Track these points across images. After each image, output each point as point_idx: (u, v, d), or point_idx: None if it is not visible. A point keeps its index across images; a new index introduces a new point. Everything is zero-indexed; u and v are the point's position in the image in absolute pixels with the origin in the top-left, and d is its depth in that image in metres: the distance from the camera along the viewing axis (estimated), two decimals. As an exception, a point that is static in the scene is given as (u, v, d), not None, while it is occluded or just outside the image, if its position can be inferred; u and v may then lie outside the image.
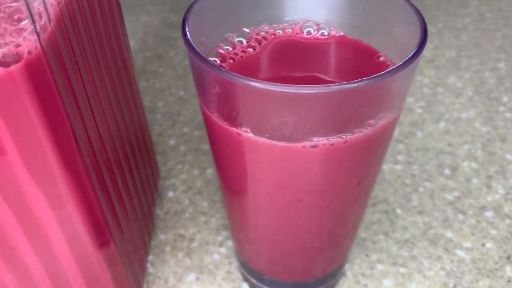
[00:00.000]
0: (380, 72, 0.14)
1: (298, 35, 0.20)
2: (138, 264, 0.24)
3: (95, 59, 0.18)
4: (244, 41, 0.20)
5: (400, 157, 0.32)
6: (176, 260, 0.27)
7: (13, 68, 0.12)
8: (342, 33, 0.20)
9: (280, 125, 0.15)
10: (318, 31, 0.20)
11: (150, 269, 0.27)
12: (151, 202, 0.28)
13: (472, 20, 0.46)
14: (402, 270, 0.26)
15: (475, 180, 0.31)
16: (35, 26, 0.13)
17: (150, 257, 0.27)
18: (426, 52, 0.42)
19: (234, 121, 0.16)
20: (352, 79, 0.14)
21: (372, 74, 0.14)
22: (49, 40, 0.13)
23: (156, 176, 0.30)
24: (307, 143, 0.16)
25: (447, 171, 0.32)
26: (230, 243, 0.28)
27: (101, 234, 0.18)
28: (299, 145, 0.16)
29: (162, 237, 0.28)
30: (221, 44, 0.20)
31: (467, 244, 0.27)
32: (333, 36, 0.20)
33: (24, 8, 0.12)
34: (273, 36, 0.20)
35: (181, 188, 0.31)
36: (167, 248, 0.28)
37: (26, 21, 0.13)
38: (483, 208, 0.29)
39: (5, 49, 0.12)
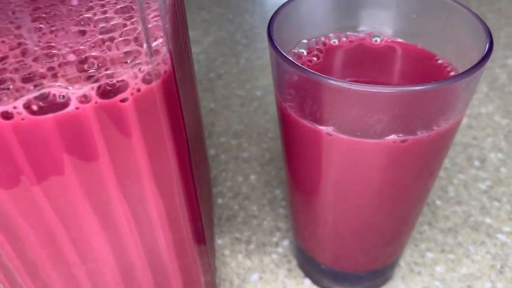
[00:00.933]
0: (445, 77, 0.16)
1: (364, 42, 0.22)
2: (213, 263, 0.25)
3: (186, 71, 0.19)
4: (306, 51, 0.22)
5: (431, 153, 0.34)
6: (237, 262, 0.28)
7: (154, 84, 0.14)
8: (402, 41, 0.22)
9: (372, 123, 0.17)
10: (385, 39, 0.22)
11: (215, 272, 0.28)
12: (210, 208, 0.29)
13: (475, 21, 0.49)
14: (451, 256, 0.28)
15: (503, 169, 0.33)
16: (168, 46, 0.14)
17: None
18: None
19: (325, 121, 0.18)
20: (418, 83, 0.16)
21: (437, 78, 0.16)
22: (173, 56, 0.15)
23: (210, 183, 0.31)
24: (396, 138, 0.17)
25: (476, 163, 0.34)
26: (285, 243, 0.29)
27: (197, 231, 0.20)
28: (390, 140, 0.17)
29: (219, 241, 0.29)
30: (295, 48, 0.21)
31: (506, 229, 0.29)
32: (397, 42, 0.22)
33: (161, 30, 0.14)
34: (336, 42, 0.22)
35: (228, 195, 0.32)
36: (226, 252, 0.29)
37: (161, 40, 0.14)
38: (515, 194, 0.31)
39: (150, 68, 0.14)
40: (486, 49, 0.18)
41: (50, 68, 0.13)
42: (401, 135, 0.17)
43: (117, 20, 0.14)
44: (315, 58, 0.21)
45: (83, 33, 0.14)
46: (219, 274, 0.28)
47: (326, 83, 0.16)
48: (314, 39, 0.22)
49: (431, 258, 0.28)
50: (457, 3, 0.20)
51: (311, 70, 0.17)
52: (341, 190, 0.20)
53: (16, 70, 0.13)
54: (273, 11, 0.20)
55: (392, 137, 0.17)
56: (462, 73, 0.16)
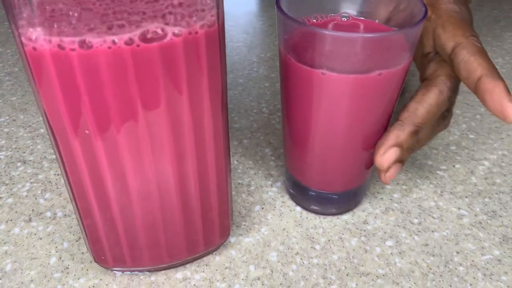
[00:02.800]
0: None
1: (336, 21, 0.31)
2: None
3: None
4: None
5: (383, 118, 0.44)
6: (242, 199, 0.36)
7: (213, 29, 0.22)
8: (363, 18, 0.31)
9: (354, 62, 0.25)
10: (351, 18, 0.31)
11: (225, 207, 0.35)
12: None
13: (410, 24, 0.60)
14: (404, 187, 0.37)
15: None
16: (218, 6, 0.22)
17: (221, 200, 0.36)
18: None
19: (316, 63, 0.26)
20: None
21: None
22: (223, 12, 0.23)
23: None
24: (374, 73, 0.26)
25: (418, 124, 0.43)
26: (278, 184, 0.37)
27: (229, 166, 0.27)
28: (370, 75, 0.26)
29: (226, 186, 0.37)
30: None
31: (443, 167, 0.39)
32: (360, 20, 0.31)
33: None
34: (315, 20, 0.31)
35: (228, 154, 0.40)
36: (233, 193, 0.36)
37: (219, 3, 0.22)
38: (447, 144, 0.41)
39: (209, 16, 0.21)
40: (422, 16, 0.27)
41: (157, 11, 0.20)
42: (376, 71, 0.26)
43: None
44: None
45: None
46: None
47: (320, 33, 0.25)
48: (300, 18, 0.31)
49: (390, 188, 0.37)
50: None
51: (309, 25, 0.25)
52: (328, 119, 0.29)
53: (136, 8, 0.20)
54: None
55: (371, 72, 0.26)
56: (408, 26, 0.25)
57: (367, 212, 0.35)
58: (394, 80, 0.27)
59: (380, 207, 0.35)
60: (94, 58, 0.19)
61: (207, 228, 0.29)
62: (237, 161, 0.39)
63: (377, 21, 0.31)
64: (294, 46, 0.27)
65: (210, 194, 0.27)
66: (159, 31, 0.20)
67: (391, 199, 0.36)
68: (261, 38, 0.58)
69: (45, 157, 0.40)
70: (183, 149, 0.24)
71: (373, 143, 0.31)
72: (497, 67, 0.51)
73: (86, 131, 0.22)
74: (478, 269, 0.30)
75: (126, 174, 0.24)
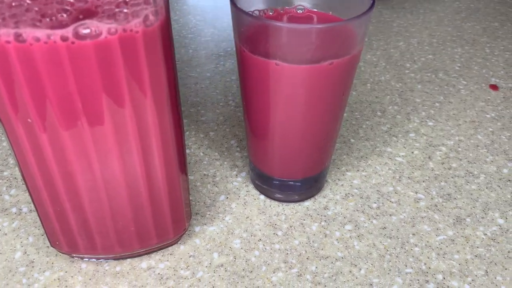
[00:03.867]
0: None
1: (292, 13, 0.32)
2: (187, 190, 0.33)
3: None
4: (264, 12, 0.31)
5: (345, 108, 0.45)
6: (207, 190, 0.37)
7: (152, 27, 0.22)
8: (317, 10, 0.32)
9: (304, 52, 0.26)
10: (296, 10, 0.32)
11: (190, 198, 0.36)
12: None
13: (374, 15, 0.61)
14: (364, 173, 0.38)
15: (398, 116, 0.44)
16: (164, 2, 0.22)
17: (187, 191, 0.36)
18: (347, 39, 0.56)
19: (270, 54, 0.27)
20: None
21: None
22: (166, 9, 0.23)
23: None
24: (325, 63, 0.27)
25: (379, 113, 0.45)
26: (243, 174, 0.38)
27: (182, 161, 0.28)
28: (321, 64, 0.27)
29: (191, 177, 0.38)
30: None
31: (402, 153, 0.40)
32: (315, 12, 0.32)
33: None
34: (271, 13, 0.32)
35: (194, 146, 0.41)
36: (198, 184, 0.37)
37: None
38: (407, 132, 0.43)
39: (151, 17, 0.22)
40: (369, 7, 0.28)
41: (91, 7, 0.21)
42: (328, 60, 0.27)
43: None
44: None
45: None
46: (194, 198, 0.36)
47: (271, 24, 0.26)
48: (257, 11, 0.31)
49: (350, 175, 0.38)
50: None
51: (262, 17, 0.26)
52: (285, 109, 0.30)
53: (72, 4, 0.20)
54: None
55: (323, 62, 0.27)
56: (354, 17, 0.26)
57: (328, 198, 0.36)
58: (345, 69, 0.29)
59: (340, 193, 0.36)
60: (29, 53, 0.20)
61: (158, 222, 0.29)
62: (203, 153, 0.40)
63: (330, 12, 0.32)
64: (247, 39, 0.28)
65: (159, 190, 0.28)
66: (94, 28, 0.20)
67: (351, 185, 0.37)
68: (228, 33, 0.59)
69: (10, 153, 0.40)
70: (127, 145, 0.24)
71: (329, 131, 0.32)
72: (456, 57, 0.53)
73: (29, 120, 0.22)
74: (433, 249, 0.32)
75: (71, 167, 0.24)
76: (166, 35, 0.23)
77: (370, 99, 0.46)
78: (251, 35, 0.28)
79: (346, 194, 0.36)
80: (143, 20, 0.21)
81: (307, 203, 0.35)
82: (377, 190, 0.37)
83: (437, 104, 0.46)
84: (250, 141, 0.34)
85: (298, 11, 0.32)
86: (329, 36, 0.26)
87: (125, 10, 0.21)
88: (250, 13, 0.31)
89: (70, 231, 0.28)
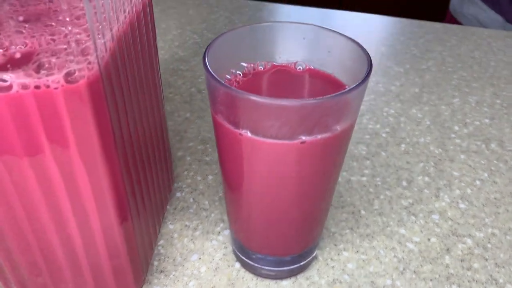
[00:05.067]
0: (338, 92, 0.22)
1: (284, 69, 0.28)
2: (148, 245, 0.30)
3: (137, 82, 0.25)
4: (242, 72, 0.27)
5: (366, 171, 0.40)
6: (182, 244, 0.33)
7: (79, 84, 0.19)
8: (312, 67, 0.28)
9: (267, 127, 0.22)
10: (295, 66, 0.28)
11: (161, 251, 0.33)
12: (164, 199, 0.34)
13: (435, 63, 0.55)
14: (363, 256, 0.33)
15: (426, 191, 0.38)
16: (97, 56, 0.19)
17: (161, 242, 0.34)
18: (394, 88, 0.50)
19: (237, 124, 0.23)
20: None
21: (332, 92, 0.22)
22: (105, 66, 0.20)
23: (171, 179, 0.37)
24: (295, 141, 0.23)
25: (404, 183, 0.39)
26: (226, 232, 0.34)
27: (123, 210, 0.25)
28: (288, 142, 0.23)
29: (171, 226, 0.35)
30: (231, 69, 0.27)
31: (416, 239, 0.34)
32: (307, 69, 0.28)
33: (91, 43, 0.19)
34: (262, 68, 0.28)
35: (186, 190, 0.38)
36: (175, 235, 0.34)
37: (92, 53, 0.19)
38: (431, 212, 0.36)
39: (76, 72, 0.19)
40: (365, 74, 0.23)
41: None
42: (301, 137, 0.23)
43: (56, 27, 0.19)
44: (244, 78, 0.27)
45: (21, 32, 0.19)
46: (166, 252, 0.33)
47: (235, 94, 0.22)
48: (245, 65, 0.28)
49: (346, 256, 0.33)
50: (357, 45, 0.26)
51: (228, 86, 0.22)
52: (253, 181, 0.26)
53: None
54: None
55: (294, 140, 0.23)
56: (334, 95, 0.22)
57: (311, 280, 0.31)
58: (323, 149, 0.24)
59: (327, 277, 0.31)
60: None
61: (98, 284, 0.26)
62: (193, 199, 0.37)
63: (332, 74, 0.28)
64: (213, 99, 0.24)
65: (98, 253, 0.25)
66: (2, 81, 0.18)
67: (343, 269, 0.32)
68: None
69: None
70: (56, 202, 0.22)
71: (307, 211, 0.27)
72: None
73: None
74: None
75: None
76: (100, 92, 0.20)
77: (399, 164, 0.41)
78: (216, 97, 0.24)
79: (333, 280, 0.31)
80: (65, 76, 0.19)
81: (285, 282, 0.31)
82: (372, 281, 0.31)
83: (477, 183, 0.39)
84: (227, 207, 0.31)
85: (298, 68, 0.28)
86: (300, 113, 0.22)
87: (43, 61, 0.18)
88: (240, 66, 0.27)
89: (4, 277, 0.26)
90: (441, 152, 0.42)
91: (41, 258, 0.25)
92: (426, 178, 0.39)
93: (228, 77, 0.27)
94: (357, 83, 0.22)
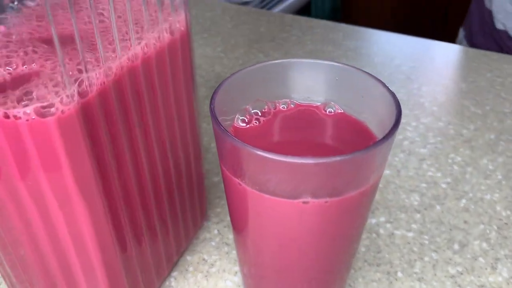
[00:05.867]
0: (365, 145, 0.19)
1: (307, 109, 0.25)
2: (155, 275, 0.29)
3: (153, 117, 0.24)
4: (260, 112, 0.25)
5: (414, 226, 0.35)
6: (195, 280, 0.32)
7: (48, 119, 0.18)
8: (342, 111, 0.25)
9: (265, 180, 0.20)
10: (324, 108, 0.25)
11: (173, 283, 0.31)
12: (189, 232, 0.33)
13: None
14: (389, 327, 0.29)
15: (481, 259, 0.33)
16: (72, 91, 0.18)
17: (175, 273, 0.32)
18: (466, 132, 0.44)
19: (236, 173, 0.21)
20: (342, 148, 0.18)
21: (358, 144, 0.18)
22: (87, 103, 0.19)
23: (201, 216, 0.34)
24: (296, 200, 0.20)
25: (456, 246, 0.34)
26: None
27: (122, 243, 0.23)
28: (288, 200, 0.20)
29: (188, 258, 0.33)
30: (248, 107, 0.25)
31: (457, 317, 0.29)
32: (336, 113, 0.25)
33: (60, 77, 0.18)
34: (284, 108, 0.25)
35: (213, 219, 0.36)
36: (190, 268, 0.32)
37: (62, 87, 0.18)
38: (482, 286, 0.31)
39: (45, 105, 0.18)
40: (391, 127, 0.20)
41: None
42: (307, 198, 0.20)
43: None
44: (256, 122, 0.24)
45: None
46: (176, 285, 0.31)
47: (230, 141, 0.20)
48: (269, 102, 0.25)
49: (369, 324, 0.29)
50: (390, 94, 0.22)
51: (224, 130, 0.20)
52: (256, 236, 0.23)
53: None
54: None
55: (295, 199, 0.20)
56: (352, 152, 0.19)
57: None
58: (330, 212, 0.21)
59: None
60: None
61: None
62: (218, 231, 0.35)
63: (365, 122, 0.24)
64: (216, 143, 0.22)
65: (97, 282, 0.24)
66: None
67: None
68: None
69: None
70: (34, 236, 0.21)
71: (322, 272, 0.24)
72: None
73: None
74: None
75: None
76: (75, 128, 0.19)
77: (455, 222, 0.35)
78: (216, 139, 0.22)
79: None
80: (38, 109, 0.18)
81: None
82: None
83: (549, 259, 0.33)
84: (239, 261, 0.28)
85: (328, 110, 0.25)
86: (300, 172, 0.19)
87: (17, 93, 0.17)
88: (249, 107, 0.25)
89: None
90: (509, 215, 0.36)
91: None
92: (484, 244, 0.34)
93: (241, 117, 0.25)
94: (375, 142, 0.19)
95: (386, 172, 0.40)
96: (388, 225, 0.35)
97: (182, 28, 0.25)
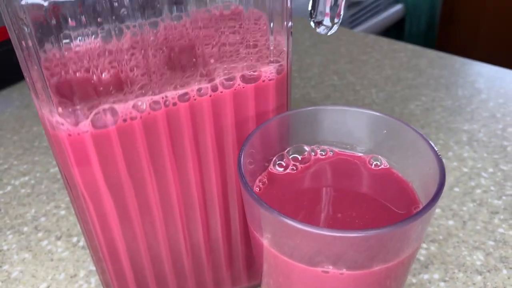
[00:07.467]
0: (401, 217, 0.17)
1: (347, 160, 0.23)
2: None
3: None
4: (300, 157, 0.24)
5: (472, 289, 0.32)
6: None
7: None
8: (388, 166, 0.23)
9: (282, 243, 0.18)
10: (369, 161, 0.23)
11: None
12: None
13: None
14: None
15: None
16: None
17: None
18: (552, 186, 0.39)
19: (257, 229, 0.20)
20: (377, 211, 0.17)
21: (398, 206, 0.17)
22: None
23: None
24: (315, 268, 0.18)
25: (518, 321, 0.30)
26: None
27: None
28: (306, 266, 0.19)
29: None
30: (287, 151, 0.24)
31: None
32: (381, 169, 0.23)
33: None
34: (322, 155, 0.24)
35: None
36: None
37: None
38: None
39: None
40: (433, 196, 0.18)
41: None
42: (325, 266, 0.18)
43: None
44: (294, 169, 0.23)
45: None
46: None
47: (247, 196, 0.19)
48: (308, 147, 0.24)
49: None
50: (435, 157, 0.20)
51: (256, 196, 0.19)
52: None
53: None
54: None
55: (315, 266, 0.18)
56: (394, 224, 0.17)
57: None
58: (353, 283, 0.19)
59: None
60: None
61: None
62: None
63: (412, 183, 0.22)
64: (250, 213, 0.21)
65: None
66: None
67: None
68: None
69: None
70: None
71: None
72: None
73: None
74: None
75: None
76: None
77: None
78: (243, 195, 0.21)
79: None
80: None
81: None
82: None
83: None
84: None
85: (374, 164, 0.23)
86: (317, 243, 0.18)
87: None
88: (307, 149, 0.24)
89: None
90: None
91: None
92: (554, 324, 0.30)
93: (278, 161, 0.23)
94: (409, 216, 0.17)
95: (450, 222, 0.37)
96: (442, 284, 0.32)
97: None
